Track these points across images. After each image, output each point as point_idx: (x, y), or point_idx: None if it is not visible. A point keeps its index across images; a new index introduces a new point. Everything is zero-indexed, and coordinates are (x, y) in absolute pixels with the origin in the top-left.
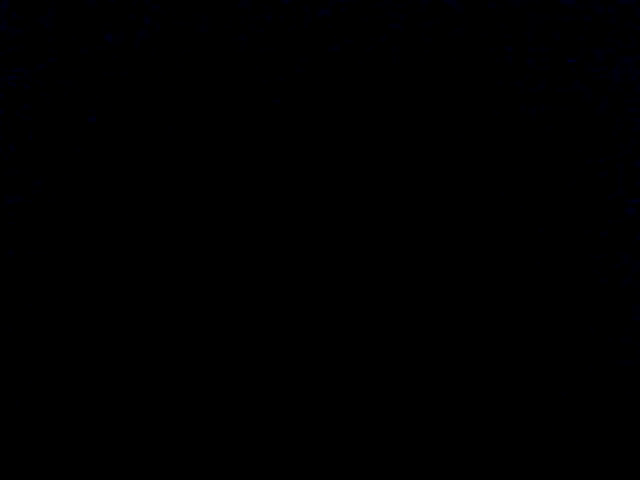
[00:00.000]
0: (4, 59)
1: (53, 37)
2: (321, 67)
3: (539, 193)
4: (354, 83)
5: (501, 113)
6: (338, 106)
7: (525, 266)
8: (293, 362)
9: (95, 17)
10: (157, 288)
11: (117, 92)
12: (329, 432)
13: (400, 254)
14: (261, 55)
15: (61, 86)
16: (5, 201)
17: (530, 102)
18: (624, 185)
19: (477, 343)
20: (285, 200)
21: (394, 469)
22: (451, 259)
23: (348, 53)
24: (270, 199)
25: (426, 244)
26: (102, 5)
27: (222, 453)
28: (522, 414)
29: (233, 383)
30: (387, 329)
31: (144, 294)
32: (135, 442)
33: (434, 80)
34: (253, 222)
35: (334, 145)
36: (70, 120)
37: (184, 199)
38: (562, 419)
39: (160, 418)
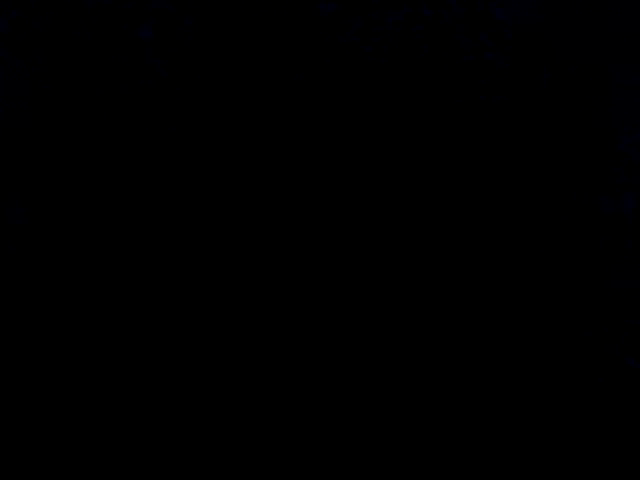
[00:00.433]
0: (4, 59)
1: (50, 37)
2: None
3: (538, 192)
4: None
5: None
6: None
7: (525, 264)
8: (293, 362)
9: (94, 17)
10: (157, 288)
11: (117, 92)
12: (329, 432)
13: (398, 251)
14: (261, 55)
15: (61, 86)
16: (5, 201)
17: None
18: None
19: (477, 343)
20: (284, 200)
21: (394, 469)
22: (451, 259)
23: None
24: (270, 199)
25: (421, 236)
26: (102, 5)
27: (222, 453)
28: (523, 415)
29: (233, 383)
30: (387, 329)
31: (144, 294)
32: (135, 442)
33: (433, 79)
34: (253, 222)
35: (323, 141)
36: (70, 120)
37: (184, 199)
38: (563, 420)
39: (160, 418)
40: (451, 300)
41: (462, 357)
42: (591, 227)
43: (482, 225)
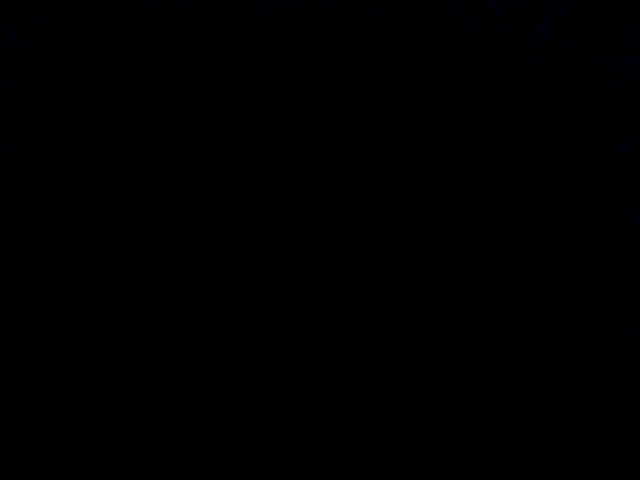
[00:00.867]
0: (4, 60)
1: (51, 39)
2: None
3: (539, 190)
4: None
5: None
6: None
7: (524, 262)
8: (293, 361)
9: (94, 18)
10: (157, 288)
11: (117, 92)
12: (329, 432)
13: (397, 249)
14: (260, 54)
15: (61, 86)
16: (5, 201)
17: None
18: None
19: (477, 343)
20: (284, 200)
21: (394, 469)
22: (451, 259)
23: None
24: (269, 199)
25: (421, 233)
26: (102, 5)
27: (222, 453)
28: (523, 414)
29: (233, 382)
30: (387, 328)
31: (144, 294)
32: (135, 442)
33: (432, 77)
34: (253, 222)
35: (322, 139)
36: (70, 120)
37: (184, 199)
38: (563, 419)
39: (160, 418)
40: (451, 300)
41: (462, 357)
42: (592, 227)
43: (482, 225)
